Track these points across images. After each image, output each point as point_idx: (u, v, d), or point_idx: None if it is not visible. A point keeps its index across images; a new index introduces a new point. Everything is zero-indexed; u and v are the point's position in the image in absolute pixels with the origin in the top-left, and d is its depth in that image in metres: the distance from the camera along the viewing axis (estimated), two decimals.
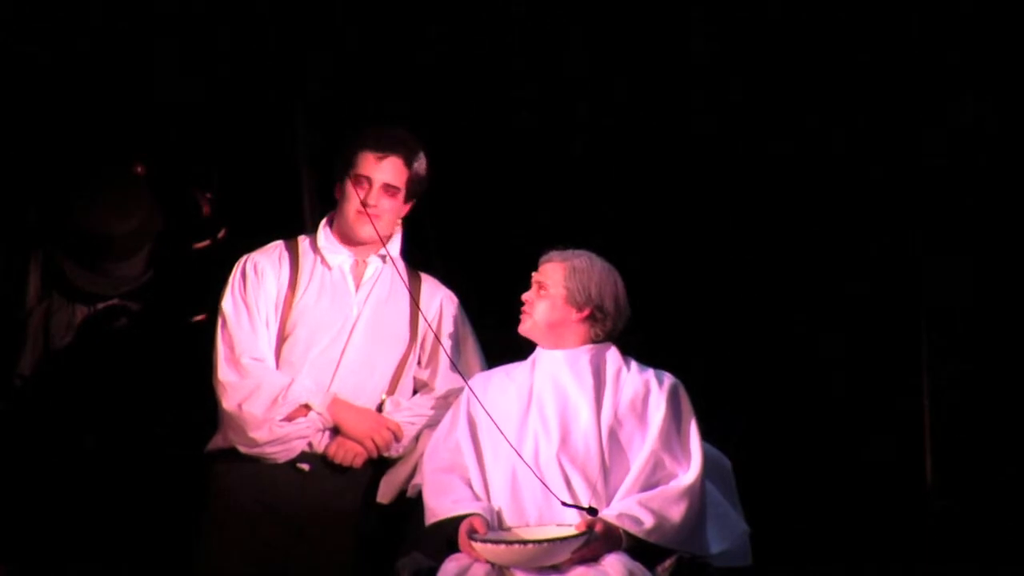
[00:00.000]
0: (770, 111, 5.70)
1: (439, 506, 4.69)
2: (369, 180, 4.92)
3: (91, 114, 5.45)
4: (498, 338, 5.12)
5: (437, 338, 5.00)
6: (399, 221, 5.02)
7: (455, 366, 4.99)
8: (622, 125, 5.77)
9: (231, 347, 4.86)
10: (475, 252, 5.68)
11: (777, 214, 5.71)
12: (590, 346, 4.86)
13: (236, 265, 4.96)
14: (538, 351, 4.89)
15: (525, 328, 4.85)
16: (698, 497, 4.65)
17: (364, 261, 5.00)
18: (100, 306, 5.24)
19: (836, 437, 5.61)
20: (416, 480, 4.90)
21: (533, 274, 4.89)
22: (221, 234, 5.25)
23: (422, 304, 5.01)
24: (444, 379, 5.03)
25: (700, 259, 5.73)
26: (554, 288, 4.84)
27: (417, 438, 4.97)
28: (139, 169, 5.27)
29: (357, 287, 4.98)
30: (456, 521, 4.65)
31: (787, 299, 5.67)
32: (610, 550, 4.56)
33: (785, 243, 5.69)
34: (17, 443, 5.24)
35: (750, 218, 5.72)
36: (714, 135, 5.73)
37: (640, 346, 4.97)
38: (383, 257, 4.99)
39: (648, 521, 4.59)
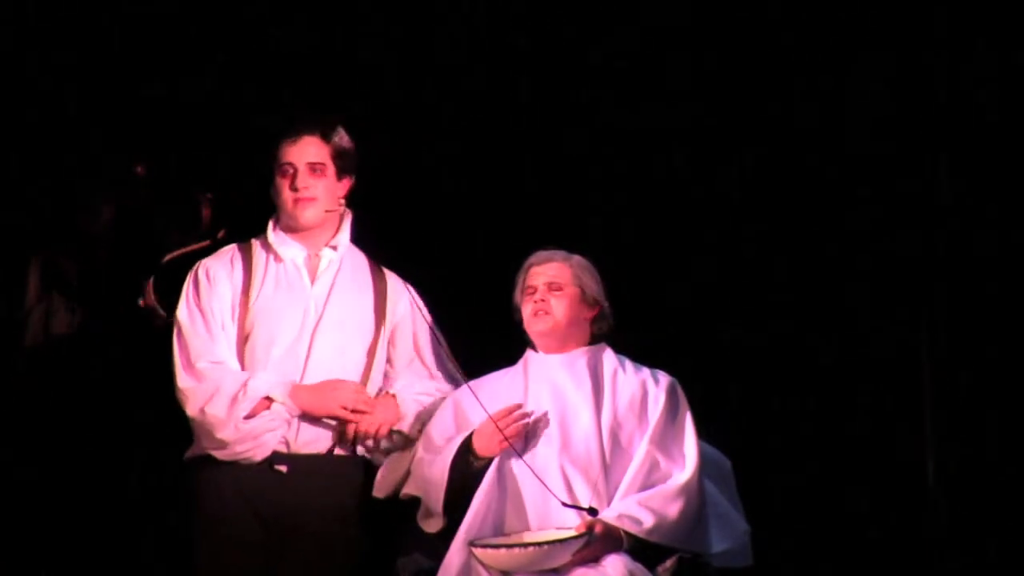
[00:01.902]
0: (766, 109, 5.70)
1: (442, 462, 4.67)
2: (292, 165, 4.93)
3: (91, 114, 5.45)
4: (473, 341, 5.15)
5: (435, 335, 5.03)
6: (342, 203, 5.01)
7: (441, 359, 5.02)
8: (621, 123, 5.77)
9: (187, 354, 4.86)
10: (453, 253, 5.68)
11: (777, 213, 5.71)
12: (585, 348, 4.86)
13: (189, 273, 4.96)
14: (529, 355, 4.88)
15: (544, 328, 4.82)
16: (695, 494, 4.65)
17: (316, 254, 4.99)
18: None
19: (836, 437, 5.61)
20: (407, 488, 4.88)
21: (534, 275, 4.87)
22: (221, 234, 5.24)
23: (392, 300, 5.01)
24: (437, 368, 5.03)
25: (700, 258, 5.72)
26: (568, 287, 4.83)
27: (419, 430, 4.96)
28: (139, 169, 5.26)
29: (313, 281, 4.96)
30: (463, 458, 4.64)
31: (787, 299, 5.67)
32: (610, 551, 4.56)
33: (785, 242, 5.69)
34: (16, 443, 5.23)
35: (749, 217, 5.72)
36: (712, 134, 5.73)
37: (639, 347, 4.97)
38: (335, 247, 4.99)
39: (648, 521, 4.58)
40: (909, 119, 5.59)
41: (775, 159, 5.69)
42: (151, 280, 5.13)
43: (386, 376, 5.02)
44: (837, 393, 5.62)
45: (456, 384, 5.00)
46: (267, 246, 4.99)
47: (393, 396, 4.95)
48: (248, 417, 4.80)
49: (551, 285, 4.85)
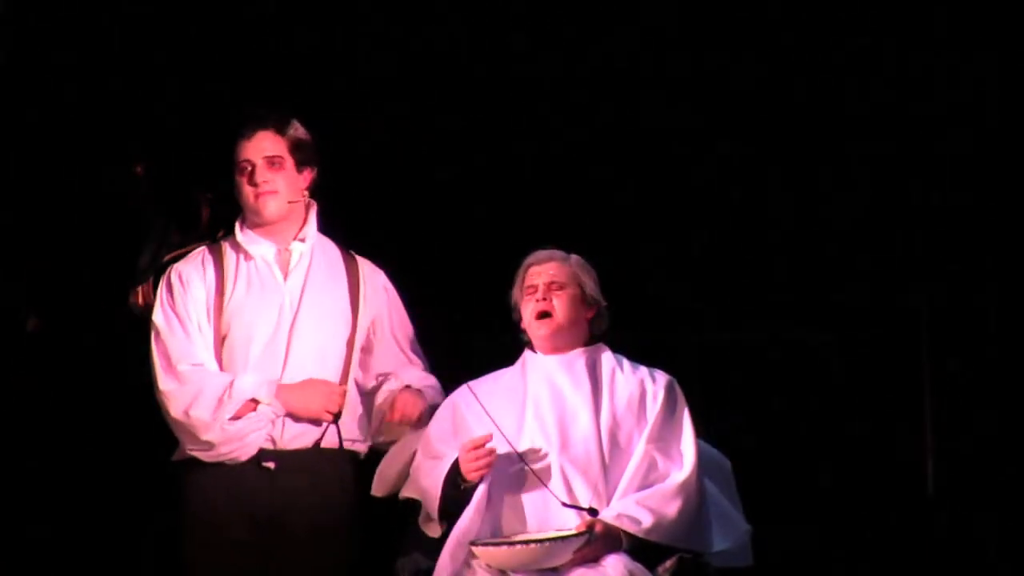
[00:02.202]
0: (766, 109, 5.70)
1: (438, 474, 4.66)
2: (250, 162, 4.93)
3: (91, 114, 5.45)
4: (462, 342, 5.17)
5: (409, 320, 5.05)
6: (305, 194, 4.99)
7: (416, 345, 5.03)
8: (620, 122, 5.78)
9: (167, 357, 4.84)
10: (448, 251, 5.69)
11: (777, 213, 5.71)
12: (583, 348, 4.84)
13: (161, 278, 4.95)
14: (527, 356, 4.87)
15: (547, 331, 4.80)
16: (694, 493, 4.64)
17: (286, 249, 4.97)
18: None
19: (836, 437, 5.61)
20: (407, 491, 4.87)
21: (533, 274, 4.86)
22: (220, 234, 5.23)
23: (367, 287, 5.00)
24: (413, 353, 5.04)
25: (700, 258, 5.73)
26: (568, 287, 4.82)
27: (418, 420, 4.95)
28: (139, 169, 5.26)
29: (285, 276, 4.95)
30: (454, 476, 4.64)
31: (787, 299, 5.67)
32: (610, 551, 4.56)
33: (785, 242, 5.69)
34: (14, 443, 5.23)
35: (749, 216, 5.72)
36: (712, 133, 5.74)
37: (638, 347, 4.96)
38: (303, 240, 4.97)
39: (647, 520, 4.58)
40: (908, 118, 5.59)
41: (775, 159, 5.69)
42: (150, 280, 5.12)
43: (363, 366, 5.00)
44: (837, 393, 5.62)
45: (432, 372, 5.02)
46: (236, 246, 4.98)
47: (418, 390, 4.96)
48: (234, 419, 4.80)
49: (552, 285, 4.84)
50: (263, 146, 4.93)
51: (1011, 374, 5.50)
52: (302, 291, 4.93)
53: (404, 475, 4.87)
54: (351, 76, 5.69)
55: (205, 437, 4.79)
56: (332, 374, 4.93)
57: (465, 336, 5.40)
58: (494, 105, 5.75)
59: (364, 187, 5.51)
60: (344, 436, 4.91)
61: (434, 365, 5.09)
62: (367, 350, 5.01)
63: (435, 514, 4.70)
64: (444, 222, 5.71)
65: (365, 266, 5.05)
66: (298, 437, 4.88)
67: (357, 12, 5.69)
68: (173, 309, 4.89)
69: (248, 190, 4.93)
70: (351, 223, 5.15)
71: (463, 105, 5.75)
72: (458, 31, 5.73)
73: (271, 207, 4.93)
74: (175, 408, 4.80)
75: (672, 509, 4.61)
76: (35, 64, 5.44)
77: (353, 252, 5.07)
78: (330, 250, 5.03)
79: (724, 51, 5.69)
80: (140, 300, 5.07)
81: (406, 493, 4.84)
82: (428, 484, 4.71)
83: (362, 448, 4.96)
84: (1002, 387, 5.51)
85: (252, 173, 4.92)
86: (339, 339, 4.95)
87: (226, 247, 4.99)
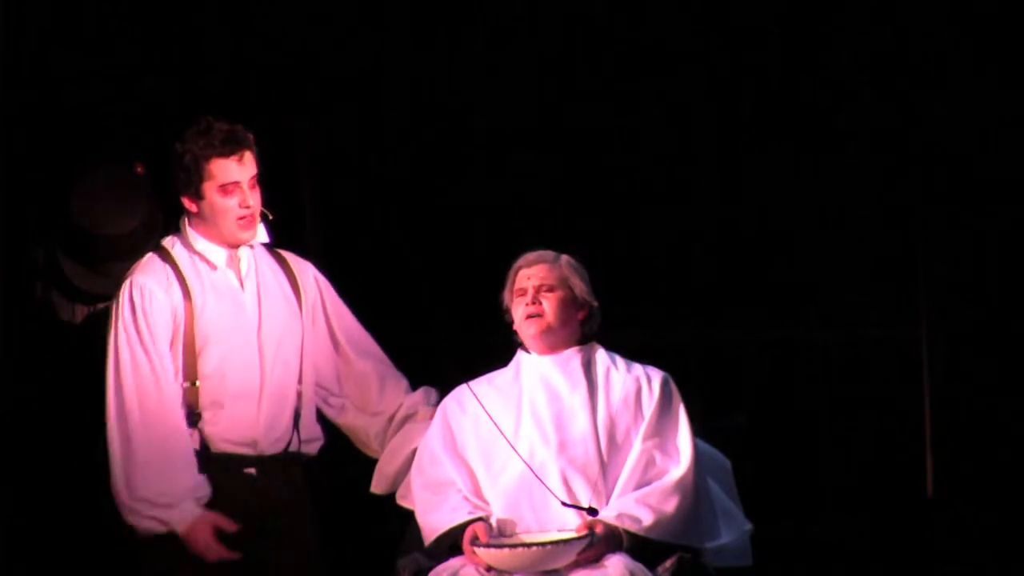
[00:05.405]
0: (763, 108, 5.71)
1: (437, 520, 4.67)
2: (237, 184, 4.76)
3: (91, 114, 5.45)
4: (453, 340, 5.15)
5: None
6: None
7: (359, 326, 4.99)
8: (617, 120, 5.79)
9: (120, 396, 4.67)
10: (445, 251, 5.68)
11: (776, 212, 5.71)
12: (577, 348, 4.84)
13: (121, 293, 4.75)
14: (521, 357, 4.86)
15: (536, 332, 4.81)
16: (691, 489, 4.64)
17: (236, 255, 4.85)
18: (100, 306, 5.22)
19: (836, 437, 5.62)
20: (404, 490, 4.87)
21: (523, 278, 4.84)
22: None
23: (301, 281, 4.91)
24: (361, 339, 4.99)
25: (700, 257, 5.73)
26: (559, 289, 4.82)
27: (407, 419, 4.94)
28: (139, 169, 5.25)
29: (241, 283, 4.84)
30: (457, 530, 4.64)
31: (787, 298, 5.68)
32: (611, 551, 4.57)
33: (784, 242, 5.70)
34: (14, 444, 5.23)
35: (749, 216, 5.73)
36: (709, 133, 5.74)
37: (637, 347, 4.97)
38: (251, 245, 4.85)
39: (647, 519, 4.58)
40: (907, 118, 5.60)
41: (773, 158, 5.70)
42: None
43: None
44: (837, 393, 5.63)
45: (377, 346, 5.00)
46: (191, 252, 4.83)
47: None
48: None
49: (540, 288, 4.82)
50: (249, 166, 4.78)
51: (1011, 374, 5.51)
52: (258, 297, 4.84)
53: (403, 472, 4.88)
54: (337, 78, 5.70)
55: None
56: (293, 376, 4.87)
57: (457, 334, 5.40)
58: (488, 101, 5.76)
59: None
60: (302, 438, 4.88)
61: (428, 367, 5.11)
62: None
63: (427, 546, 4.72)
64: (443, 220, 5.73)
65: (293, 260, 4.96)
66: (275, 443, 4.82)
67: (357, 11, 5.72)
68: (139, 336, 4.73)
69: (236, 212, 4.76)
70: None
71: (456, 107, 5.76)
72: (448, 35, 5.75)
73: (253, 231, 4.82)
74: (114, 453, 4.65)
75: (671, 506, 4.61)
76: (36, 62, 5.46)
77: (275, 247, 4.95)
78: (260, 250, 4.92)
79: (721, 48, 5.70)
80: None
81: (402, 503, 4.86)
82: (424, 523, 4.71)
83: (313, 449, 4.92)
84: (1002, 387, 5.52)
85: (241, 195, 4.75)
86: (296, 339, 4.87)
87: (178, 253, 4.83)
